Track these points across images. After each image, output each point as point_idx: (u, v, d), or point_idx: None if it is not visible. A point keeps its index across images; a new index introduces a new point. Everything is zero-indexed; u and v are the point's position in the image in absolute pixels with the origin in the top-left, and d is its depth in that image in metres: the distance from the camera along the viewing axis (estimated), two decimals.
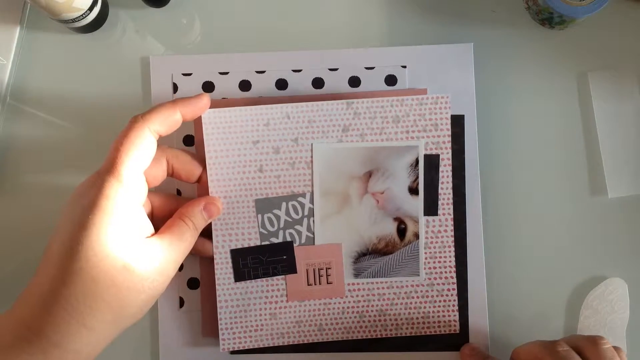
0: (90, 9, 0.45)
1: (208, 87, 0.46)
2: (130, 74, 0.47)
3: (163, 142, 0.40)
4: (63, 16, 0.44)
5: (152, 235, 0.37)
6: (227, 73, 0.46)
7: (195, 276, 0.46)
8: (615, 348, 0.38)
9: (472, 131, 0.46)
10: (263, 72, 0.46)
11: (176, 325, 0.45)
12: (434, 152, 0.44)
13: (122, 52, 0.48)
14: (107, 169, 0.35)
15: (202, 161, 0.42)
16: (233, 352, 0.45)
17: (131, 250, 0.34)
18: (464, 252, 0.45)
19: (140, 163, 0.36)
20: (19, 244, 0.47)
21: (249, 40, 0.48)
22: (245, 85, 0.46)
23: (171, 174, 0.41)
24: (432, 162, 0.44)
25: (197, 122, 0.43)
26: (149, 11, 0.48)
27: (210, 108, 0.41)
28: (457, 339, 0.45)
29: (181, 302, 0.45)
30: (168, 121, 0.38)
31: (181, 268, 0.46)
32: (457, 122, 0.46)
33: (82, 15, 0.45)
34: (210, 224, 0.42)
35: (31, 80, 0.48)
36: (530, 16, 0.48)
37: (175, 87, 0.47)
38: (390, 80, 0.46)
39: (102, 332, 0.34)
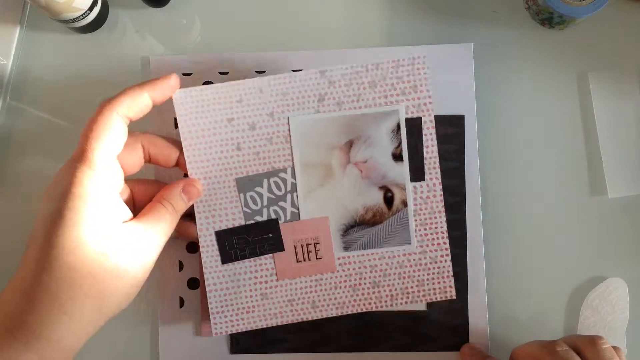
0: (90, 9, 0.46)
1: None
2: (130, 73, 0.49)
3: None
4: (63, 16, 0.45)
5: (130, 220, 0.38)
6: (227, 73, 0.47)
7: (195, 276, 0.46)
8: (615, 348, 0.39)
9: (472, 131, 0.47)
10: (263, 72, 0.47)
11: (176, 325, 0.46)
12: (415, 115, 0.43)
13: (122, 52, 0.49)
14: (77, 156, 0.36)
15: (179, 144, 0.43)
16: (233, 352, 0.47)
17: (108, 237, 0.35)
18: (464, 252, 0.46)
19: (111, 148, 0.37)
20: (19, 243, 0.47)
21: (249, 40, 0.48)
22: None
23: (148, 160, 0.42)
24: (414, 125, 0.43)
25: None
26: (149, 11, 0.49)
27: (178, 89, 0.42)
28: (457, 339, 0.47)
29: (181, 302, 0.46)
30: (136, 104, 0.38)
31: (181, 268, 0.46)
32: (457, 122, 0.46)
33: (82, 15, 0.45)
34: (192, 207, 0.43)
35: (31, 81, 0.49)
36: (530, 16, 0.48)
37: None
38: None
39: (84, 321, 0.35)
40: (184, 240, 0.47)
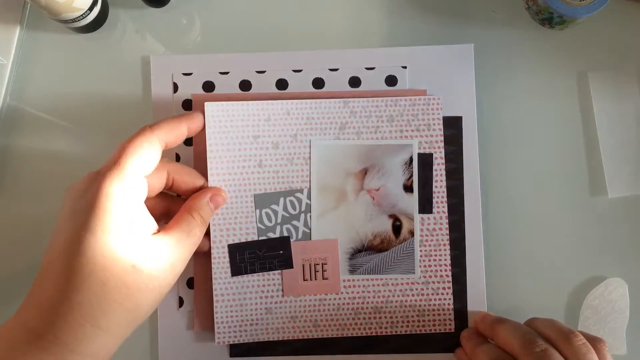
0: (90, 9, 0.46)
1: (208, 86, 0.47)
2: (130, 73, 0.48)
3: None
4: (63, 16, 0.45)
5: (158, 231, 0.38)
6: (227, 73, 0.47)
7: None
8: (595, 340, 0.39)
9: (472, 132, 0.47)
10: (263, 72, 0.47)
11: (175, 325, 0.46)
12: (427, 151, 0.46)
13: (122, 52, 0.49)
14: (109, 167, 0.36)
15: (201, 176, 0.44)
16: (233, 355, 0.46)
17: (139, 250, 0.35)
18: (463, 254, 0.45)
19: (143, 166, 0.37)
20: (19, 244, 0.47)
21: (249, 40, 0.48)
22: (245, 85, 0.47)
23: (170, 186, 0.42)
24: (425, 160, 0.45)
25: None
26: (149, 11, 0.49)
27: (206, 102, 0.44)
28: (457, 341, 0.46)
29: (180, 302, 0.46)
30: (175, 132, 0.40)
31: None
32: (455, 124, 0.46)
33: (82, 15, 0.45)
34: None
35: (31, 81, 0.49)
36: (530, 16, 0.48)
37: (175, 87, 0.47)
38: (391, 80, 0.47)
39: (117, 333, 0.35)
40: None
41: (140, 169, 0.37)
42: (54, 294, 0.33)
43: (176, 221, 0.39)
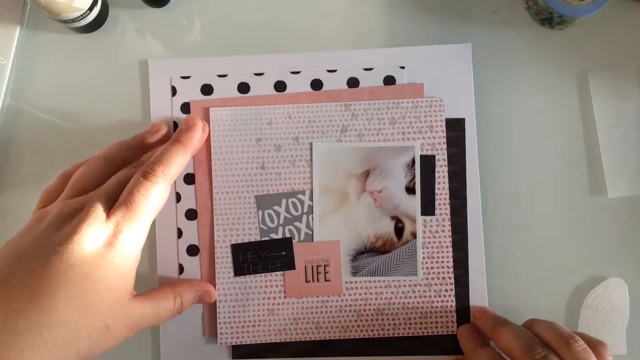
0: (90, 9, 0.46)
1: (207, 89, 0.47)
2: (129, 74, 0.48)
3: None
4: (63, 16, 0.45)
5: (135, 296, 0.39)
6: (225, 76, 0.47)
7: (198, 279, 0.46)
8: (596, 344, 0.39)
9: (471, 132, 0.46)
10: (261, 74, 0.47)
11: (177, 327, 0.46)
12: (429, 153, 0.46)
13: (122, 52, 0.49)
14: (120, 210, 0.37)
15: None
16: (235, 357, 0.46)
17: (116, 312, 0.37)
18: (466, 256, 0.45)
19: (154, 214, 0.39)
20: None
21: (249, 40, 0.48)
22: (244, 88, 0.47)
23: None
24: (428, 162, 0.46)
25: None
26: (149, 11, 0.49)
27: (211, 107, 0.45)
28: (458, 343, 0.46)
29: None
30: (183, 166, 0.41)
31: (181, 271, 0.47)
32: (458, 126, 0.46)
33: (82, 15, 0.45)
34: (212, 219, 0.45)
35: (31, 80, 0.49)
36: (530, 16, 0.48)
37: (174, 90, 0.47)
38: (389, 81, 0.47)
39: None
40: (199, 254, 0.46)
41: (152, 217, 0.38)
42: (21, 320, 0.33)
43: (155, 295, 0.40)
